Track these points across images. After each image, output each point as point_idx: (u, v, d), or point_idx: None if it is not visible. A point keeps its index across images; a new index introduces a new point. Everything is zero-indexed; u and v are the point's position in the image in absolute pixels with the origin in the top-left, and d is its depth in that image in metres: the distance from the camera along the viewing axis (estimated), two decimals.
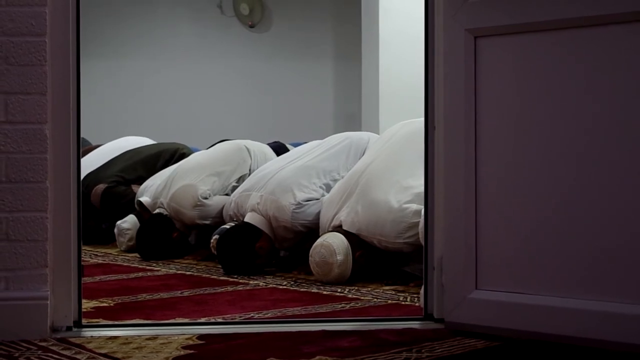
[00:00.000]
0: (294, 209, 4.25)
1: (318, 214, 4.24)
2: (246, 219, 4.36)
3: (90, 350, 2.52)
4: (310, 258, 3.94)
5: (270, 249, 4.35)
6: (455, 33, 2.71)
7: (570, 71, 2.53)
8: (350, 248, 3.88)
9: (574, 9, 2.49)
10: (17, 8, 2.71)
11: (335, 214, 4.04)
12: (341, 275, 3.88)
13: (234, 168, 5.09)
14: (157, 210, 5.10)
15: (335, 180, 4.38)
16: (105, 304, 3.40)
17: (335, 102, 9.84)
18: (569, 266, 2.53)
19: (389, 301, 3.42)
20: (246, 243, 4.26)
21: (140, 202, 5.31)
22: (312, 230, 4.26)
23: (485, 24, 2.66)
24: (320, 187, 4.41)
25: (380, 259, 4.01)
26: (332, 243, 3.87)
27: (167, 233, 4.99)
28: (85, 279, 3.52)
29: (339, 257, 3.83)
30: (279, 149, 5.65)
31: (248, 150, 5.26)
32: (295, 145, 5.69)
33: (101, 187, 5.80)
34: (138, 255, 4.98)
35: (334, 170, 4.48)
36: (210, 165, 5.12)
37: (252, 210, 4.37)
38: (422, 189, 3.02)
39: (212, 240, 4.59)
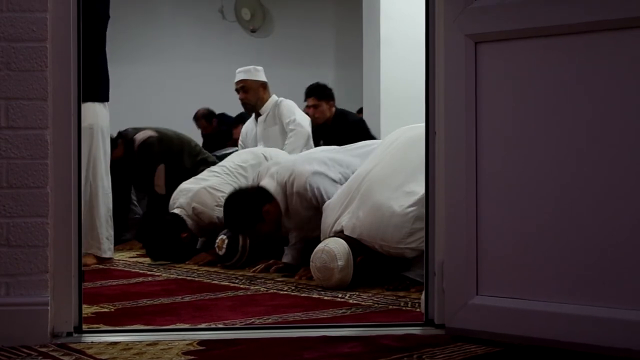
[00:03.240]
0: (312, 172, 4.35)
1: (330, 193, 4.28)
2: (261, 184, 4.46)
3: (90, 356, 2.51)
4: (311, 263, 3.94)
5: (277, 217, 4.41)
6: (455, 38, 2.71)
7: (571, 76, 2.53)
8: (351, 253, 3.87)
9: (575, 15, 2.49)
10: (18, 14, 2.71)
11: (336, 219, 4.04)
12: (342, 280, 3.88)
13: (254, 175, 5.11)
14: (174, 211, 5.21)
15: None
16: (105, 310, 3.39)
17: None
18: (570, 272, 2.53)
19: (390, 307, 3.42)
20: (253, 203, 4.38)
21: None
22: (318, 215, 4.25)
23: (485, 30, 2.66)
24: (340, 173, 4.47)
25: (382, 264, 4.01)
26: (334, 248, 3.87)
27: (176, 233, 5.04)
28: (85, 284, 3.53)
29: (340, 263, 3.83)
30: None
31: (265, 157, 5.42)
32: None
33: None
34: (141, 259, 4.99)
35: (355, 166, 4.48)
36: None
37: (270, 176, 4.46)
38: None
39: (217, 240, 4.62)
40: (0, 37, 2.70)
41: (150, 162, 6.07)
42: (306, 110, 6.48)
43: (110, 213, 4.96)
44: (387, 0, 7.72)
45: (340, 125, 6.54)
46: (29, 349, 2.60)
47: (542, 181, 2.58)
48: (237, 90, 6.11)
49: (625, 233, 2.43)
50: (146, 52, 10.25)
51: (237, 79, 6.09)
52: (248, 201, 4.40)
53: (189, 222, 5.16)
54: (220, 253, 4.71)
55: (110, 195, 4.89)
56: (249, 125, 6.27)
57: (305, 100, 6.68)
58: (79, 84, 2.81)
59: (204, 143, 8.10)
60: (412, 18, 6.32)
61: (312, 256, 3.95)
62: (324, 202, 4.26)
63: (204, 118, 9.00)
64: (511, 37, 2.62)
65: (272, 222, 4.42)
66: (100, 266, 4.71)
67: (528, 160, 2.61)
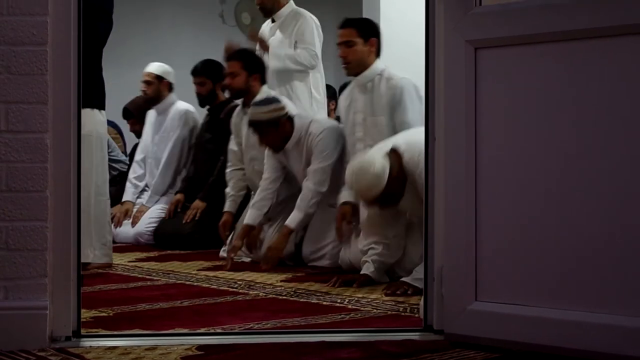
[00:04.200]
0: None
1: None
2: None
3: None
4: (347, 167, 4.07)
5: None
6: (455, 44, 2.71)
7: (571, 82, 2.53)
8: (389, 166, 3.85)
9: (574, 22, 2.49)
10: (19, 17, 2.71)
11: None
12: (373, 184, 3.82)
13: None
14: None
15: None
16: (104, 314, 3.39)
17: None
18: (569, 278, 2.53)
19: (389, 312, 3.42)
20: None
21: None
22: None
23: (485, 36, 2.66)
24: None
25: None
26: (374, 154, 3.92)
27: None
28: (84, 289, 3.52)
29: (378, 167, 3.81)
30: None
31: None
32: None
33: None
34: (140, 263, 4.98)
35: None
36: None
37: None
38: None
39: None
40: (0, 41, 2.70)
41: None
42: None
43: (109, 218, 4.95)
44: (387, 5, 7.72)
45: None
46: (27, 353, 2.59)
47: (543, 186, 2.58)
48: None
49: (627, 239, 2.43)
50: (145, 55, 10.24)
51: None
52: None
53: None
54: None
55: (109, 201, 4.88)
56: (264, 29, 6.04)
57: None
58: (79, 89, 2.81)
59: None
60: (412, 23, 6.31)
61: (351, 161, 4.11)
62: None
63: None
64: (510, 43, 2.62)
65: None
66: (100, 270, 4.70)
67: (527, 166, 2.61)
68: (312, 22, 5.76)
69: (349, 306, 3.57)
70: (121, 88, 7.80)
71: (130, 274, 4.68)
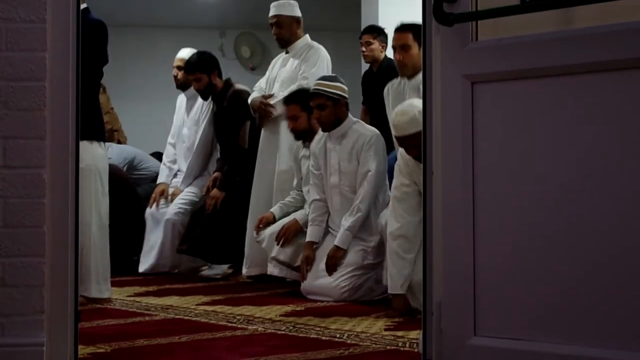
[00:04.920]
0: None
1: None
2: None
3: None
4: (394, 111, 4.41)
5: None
6: (452, 78, 2.72)
7: (567, 117, 2.54)
8: None
9: (570, 56, 2.51)
10: (17, 53, 2.73)
11: None
12: (414, 122, 4.15)
13: None
14: None
15: None
16: (101, 350, 3.37)
17: None
18: (567, 313, 2.51)
19: (388, 347, 3.40)
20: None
21: None
22: None
23: (482, 70, 2.67)
24: None
25: None
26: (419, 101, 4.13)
27: None
28: (82, 324, 3.51)
29: (420, 109, 3.88)
30: None
31: None
32: None
33: None
34: (138, 298, 4.96)
35: None
36: None
37: None
38: None
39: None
40: None
41: (239, 113, 6.24)
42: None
43: (108, 252, 4.93)
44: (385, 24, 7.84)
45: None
46: None
47: (540, 220, 2.58)
48: (270, 25, 6.03)
49: (623, 275, 2.42)
50: (146, 89, 10.29)
51: (270, 14, 6.01)
52: None
53: None
54: None
55: (107, 235, 4.86)
56: (275, 61, 6.23)
57: (360, 38, 6.67)
58: (77, 124, 2.81)
59: None
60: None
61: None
62: None
63: None
64: (508, 78, 2.63)
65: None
66: (97, 305, 4.67)
67: (525, 201, 2.61)
68: (324, 56, 5.93)
69: (348, 341, 3.55)
70: (122, 119, 7.87)
71: (129, 309, 4.65)
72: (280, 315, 4.31)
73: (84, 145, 4.52)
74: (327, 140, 5.19)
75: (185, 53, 6.79)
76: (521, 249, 2.61)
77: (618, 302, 2.43)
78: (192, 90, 6.68)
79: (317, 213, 5.21)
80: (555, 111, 2.56)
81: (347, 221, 4.96)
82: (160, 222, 6.50)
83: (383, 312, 4.36)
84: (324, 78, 5.29)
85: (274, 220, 5.55)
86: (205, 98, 6.56)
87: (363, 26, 8.14)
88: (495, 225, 2.66)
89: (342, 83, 5.21)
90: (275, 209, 5.64)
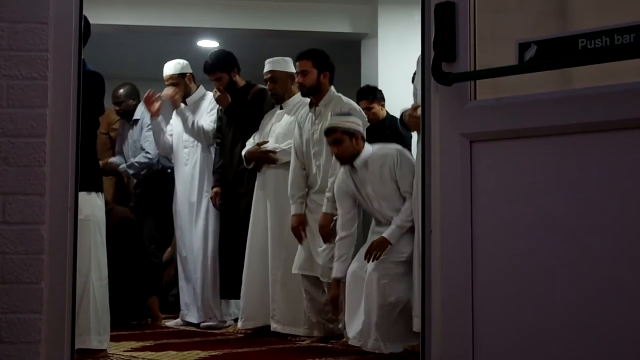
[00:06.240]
0: None
1: None
2: None
3: None
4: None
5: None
6: (451, 137, 2.74)
7: (566, 176, 2.54)
8: None
9: (568, 116, 2.52)
10: (18, 110, 2.74)
11: None
12: None
13: None
14: None
15: None
16: None
17: None
18: None
19: None
20: None
21: None
22: None
23: (481, 129, 2.68)
24: None
25: None
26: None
27: None
28: None
29: None
30: None
31: None
32: None
33: None
34: (136, 353, 4.92)
35: None
36: None
37: None
38: None
39: None
40: (0, 133, 2.73)
41: (264, 107, 6.32)
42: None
43: (107, 303, 4.90)
44: (384, 77, 8.01)
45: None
46: None
47: (539, 278, 2.57)
48: (265, 80, 6.15)
49: (628, 338, 2.41)
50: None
51: (266, 70, 6.13)
52: None
53: None
54: None
55: (107, 286, 4.84)
56: (267, 117, 6.31)
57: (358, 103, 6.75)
58: (77, 179, 2.82)
59: None
60: (409, 85, 6.37)
61: None
62: None
63: None
64: (507, 137, 2.64)
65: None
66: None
67: (524, 257, 2.60)
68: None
69: None
70: None
71: None
72: None
73: (83, 196, 4.52)
74: (352, 173, 5.23)
75: (172, 68, 6.74)
76: (521, 309, 2.59)
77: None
78: (194, 98, 6.73)
79: (345, 250, 5.23)
80: (553, 170, 2.57)
81: (398, 219, 4.99)
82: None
83: None
84: (338, 114, 5.39)
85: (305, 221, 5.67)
86: (224, 104, 6.48)
87: (363, 80, 8.25)
88: (495, 284, 2.64)
89: (357, 117, 5.35)
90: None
